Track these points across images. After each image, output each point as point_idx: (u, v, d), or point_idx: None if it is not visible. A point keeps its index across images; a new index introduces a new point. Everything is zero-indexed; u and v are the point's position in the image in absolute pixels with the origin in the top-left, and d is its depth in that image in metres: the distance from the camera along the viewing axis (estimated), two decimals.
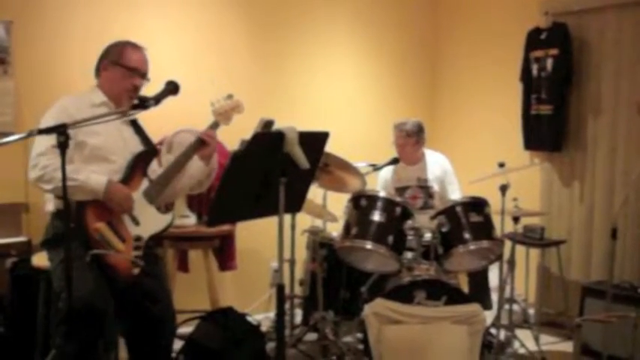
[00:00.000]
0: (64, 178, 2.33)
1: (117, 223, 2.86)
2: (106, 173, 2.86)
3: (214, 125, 3.11)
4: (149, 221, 2.95)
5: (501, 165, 4.11)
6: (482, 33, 5.47)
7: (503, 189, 4.01)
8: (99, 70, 3.06)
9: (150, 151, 3.08)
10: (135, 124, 3.10)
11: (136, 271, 2.85)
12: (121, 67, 2.99)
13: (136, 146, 3.03)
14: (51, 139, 2.73)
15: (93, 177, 2.79)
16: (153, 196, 2.99)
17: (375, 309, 3.37)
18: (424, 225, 3.70)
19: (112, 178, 2.86)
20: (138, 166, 2.98)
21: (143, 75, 3.05)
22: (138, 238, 2.90)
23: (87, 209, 2.79)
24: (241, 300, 4.56)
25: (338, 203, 4.14)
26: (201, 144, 3.05)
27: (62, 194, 2.36)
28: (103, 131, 2.87)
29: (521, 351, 4.12)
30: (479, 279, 4.27)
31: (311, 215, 4.36)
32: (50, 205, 2.94)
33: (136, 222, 2.91)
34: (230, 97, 3.18)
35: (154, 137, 3.72)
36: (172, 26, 4.46)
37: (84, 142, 2.84)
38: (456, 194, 4.47)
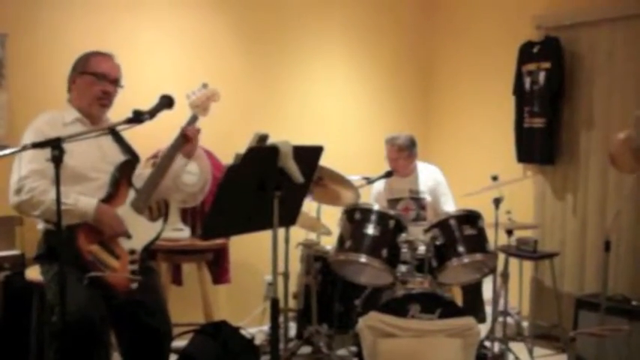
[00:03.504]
0: (58, 193, 2.31)
1: (110, 242, 2.82)
2: (90, 191, 2.81)
3: (193, 119, 3.02)
4: (140, 232, 2.91)
5: (494, 178, 4.14)
6: (475, 46, 5.51)
7: (497, 202, 4.02)
8: (69, 86, 3.00)
9: (131, 160, 3.01)
10: (114, 133, 3.01)
11: (135, 285, 2.82)
12: (87, 74, 2.93)
13: (117, 156, 2.97)
14: (32, 163, 2.71)
15: (82, 199, 2.75)
16: (140, 206, 2.93)
17: (369, 322, 3.37)
18: (418, 238, 3.71)
19: (97, 196, 2.81)
20: (122, 178, 2.92)
21: (113, 81, 2.97)
22: (132, 252, 2.86)
23: (78, 232, 2.75)
24: (235, 313, 4.54)
25: (332, 216, 4.15)
26: (184, 140, 2.97)
27: (56, 211, 2.33)
28: (78, 149, 2.77)
29: None
30: (472, 292, 4.27)
31: (305, 229, 4.36)
32: (40, 224, 2.90)
33: (127, 236, 2.87)
34: (205, 86, 3.08)
35: (148, 151, 3.74)
36: (168, 39, 4.46)
37: (64, 164, 2.71)
38: (448, 205, 4.48)
